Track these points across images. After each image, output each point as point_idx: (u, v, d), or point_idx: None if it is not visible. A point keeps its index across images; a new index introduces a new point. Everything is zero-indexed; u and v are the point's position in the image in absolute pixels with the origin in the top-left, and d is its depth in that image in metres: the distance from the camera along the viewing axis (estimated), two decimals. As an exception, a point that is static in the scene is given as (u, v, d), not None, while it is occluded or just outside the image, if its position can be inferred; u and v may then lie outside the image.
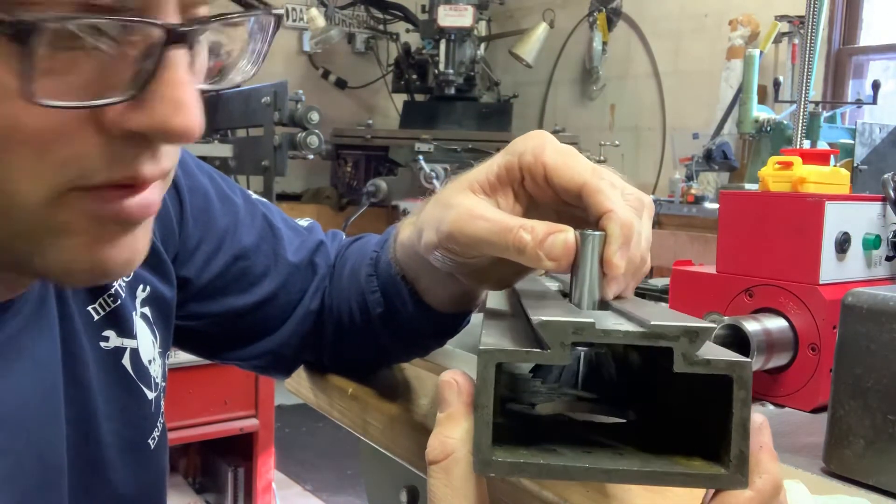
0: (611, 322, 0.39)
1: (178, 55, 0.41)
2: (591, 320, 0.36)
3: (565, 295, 0.55)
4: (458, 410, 0.40)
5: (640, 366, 0.51)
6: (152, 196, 0.45)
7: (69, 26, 0.38)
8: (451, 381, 0.41)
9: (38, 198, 0.41)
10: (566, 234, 0.47)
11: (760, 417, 0.39)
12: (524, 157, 0.53)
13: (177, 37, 0.40)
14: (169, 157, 0.46)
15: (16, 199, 0.41)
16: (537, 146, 0.53)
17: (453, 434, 0.39)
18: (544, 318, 0.36)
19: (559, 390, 0.53)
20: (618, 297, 0.48)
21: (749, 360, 0.36)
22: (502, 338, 0.40)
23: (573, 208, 0.52)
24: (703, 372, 0.36)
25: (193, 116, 0.41)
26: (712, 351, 0.37)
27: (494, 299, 0.60)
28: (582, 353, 0.55)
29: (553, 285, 0.50)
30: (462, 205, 0.53)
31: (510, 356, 0.37)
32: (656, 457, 0.39)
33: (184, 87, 0.41)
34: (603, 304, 0.47)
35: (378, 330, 0.69)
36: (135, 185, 0.44)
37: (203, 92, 0.45)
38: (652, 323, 0.36)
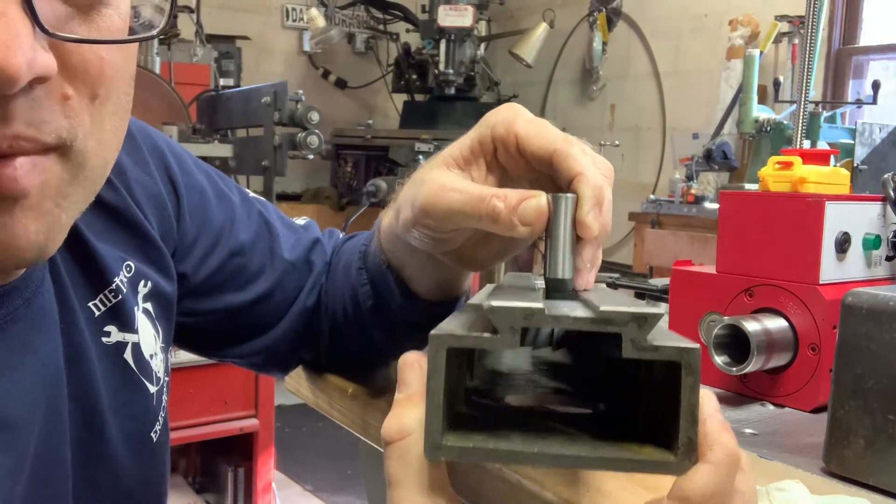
0: (563, 308, 0.38)
1: None
2: (540, 305, 0.36)
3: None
4: (417, 392, 0.39)
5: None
6: (22, 171, 0.41)
7: None
8: (413, 362, 0.41)
9: None
10: (538, 199, 0.48)
11: (707, 392, 0.38)
12: (496, 129, 0.54)
13: None
14: (27, 122, 0.40)
15: None
16: (509, 117, 0.53)
17: (411, 415, 0.39)
18: (494, 304, 0.36)
19: (534, 381, 0.53)
20: (584, 291, 0.48)
21: (697, 346, 0.36)
22: (459, 324, 0.40)
23: (546, 179, 0.52)
24: (651, 358, 0.36)
25: (4, 52, 0.37)
26: (663, 337, 0.37)
27: (481, 295, 0.59)
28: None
29: (540, 282, 0.50)
30: (435, 179, 0.53)
31: (460, 341, 0.37)
32: (608, 444, 0.38)
33: None
34: (570, 295, 0.47)
35: (370, 325, 0.69)
36: None
37: (61, 38, 0.40)
38: (601, 308, 0.36)
